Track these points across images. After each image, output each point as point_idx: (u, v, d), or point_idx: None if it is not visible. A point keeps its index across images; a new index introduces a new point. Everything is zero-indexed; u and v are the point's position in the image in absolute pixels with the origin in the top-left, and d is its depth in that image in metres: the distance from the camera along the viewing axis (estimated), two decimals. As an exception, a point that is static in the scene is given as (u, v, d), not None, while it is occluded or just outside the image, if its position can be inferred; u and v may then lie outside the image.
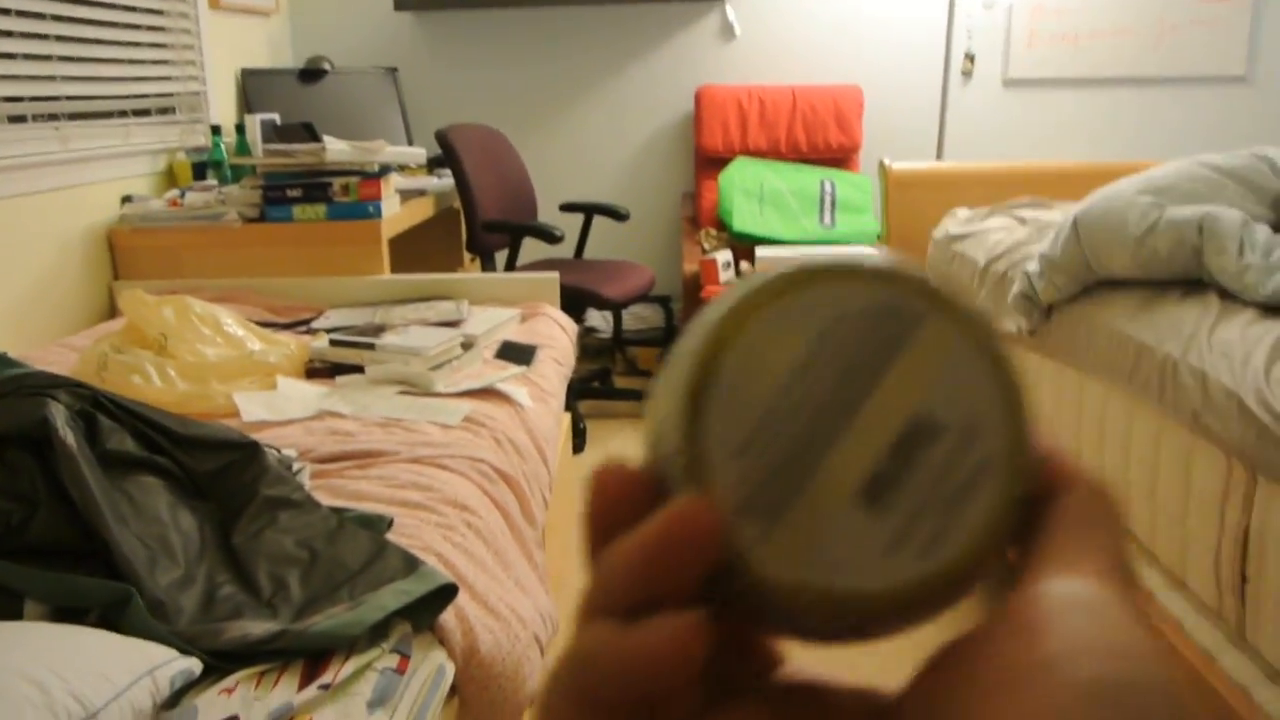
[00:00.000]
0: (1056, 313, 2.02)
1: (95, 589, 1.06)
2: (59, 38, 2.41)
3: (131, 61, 2.73)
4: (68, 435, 1.11)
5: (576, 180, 4.12)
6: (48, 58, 2.38)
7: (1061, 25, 3.92)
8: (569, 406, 2.48)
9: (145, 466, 1.24)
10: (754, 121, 3.86)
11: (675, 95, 4.04)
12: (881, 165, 3.00)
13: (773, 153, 3.87)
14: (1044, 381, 2.10)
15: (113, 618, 1.06)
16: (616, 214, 3.49)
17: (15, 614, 1.05)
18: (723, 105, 3.86)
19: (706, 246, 3.71)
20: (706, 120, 3.86)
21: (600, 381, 3.62)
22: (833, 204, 3.70)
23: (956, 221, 2.63)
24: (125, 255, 2.57)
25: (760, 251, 3.48)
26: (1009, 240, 2.32)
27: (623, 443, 3.23)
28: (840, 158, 3.93)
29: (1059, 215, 2.40)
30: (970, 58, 3.97)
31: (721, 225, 3.81)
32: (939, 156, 3.84)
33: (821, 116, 3.85)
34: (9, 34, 2.25)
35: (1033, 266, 2.05)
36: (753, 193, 3.70)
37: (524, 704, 1.26)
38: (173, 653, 0.99)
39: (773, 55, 4.00)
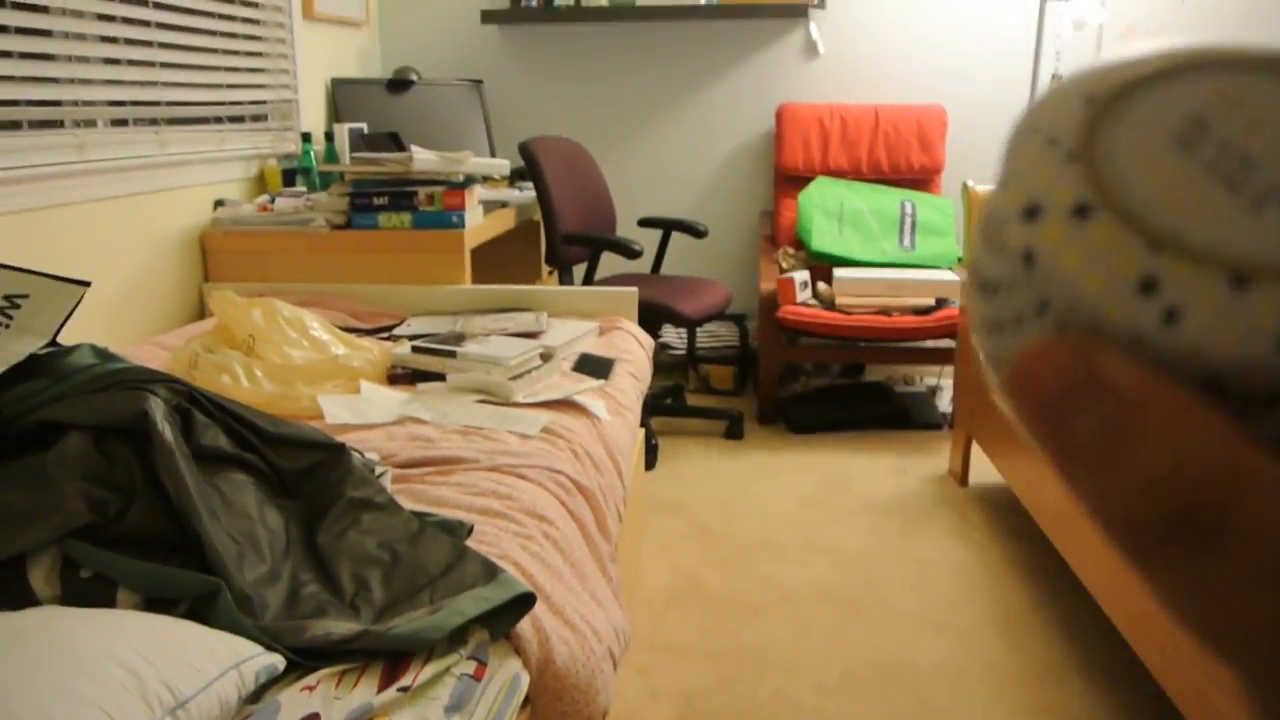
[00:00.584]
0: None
1: (186, 581, 1.08)
2: (161, 44, 2.49)
3: (229, 69, 2.81)
4: (165, 429, 1.14)
5: (656, 195, 4.14)
6: (151, 64, 2.45)
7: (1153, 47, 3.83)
8: (641, 423, 2.48)
9: (236, 463, 1.26)
10: (835, 140, 3.84)
11: (757, 112, 4.04)
12: (965, 187, 2.96)
13: (853, 172, 3.85)
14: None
15: (201, 610, 1.08)
16: (695, 230, 3.49)
17: (109, 602, 1.08)
18: (804, 123, 3.85)
19: (784, 265, 3.69)
20: (787, 138, 3.85)
21: (673, 398, 3.62)
22: (913, 226, 3.66)
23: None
24: (216, 257, 2.64)
25: (838, 272, 3.45)
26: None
27: (696, 459, 3.22)
28: (922, 179, 3.89)
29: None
30: (1058, 79, 3.90)
31: (800, 244, 3.78)
32: (1024, 181, 3.76)
33: (904, 136, 3.81)
34: (115, 40, 2.33)
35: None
36: (832, 212, 3.67)
37: (596, 718, 1.26)
38: (258, 648, 1.01)
39: (856, 73, 3.98)
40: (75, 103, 2.21)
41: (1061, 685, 1.97)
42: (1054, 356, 0.19)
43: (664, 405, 3.50)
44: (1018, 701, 1.92)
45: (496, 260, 3.45)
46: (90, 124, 2.28)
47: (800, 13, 3.82)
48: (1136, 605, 1.73)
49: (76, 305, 1.39)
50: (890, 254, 3.59)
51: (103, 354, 1.32)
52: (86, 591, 1.07)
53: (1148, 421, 0.18)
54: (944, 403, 3.73)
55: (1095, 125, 0.19)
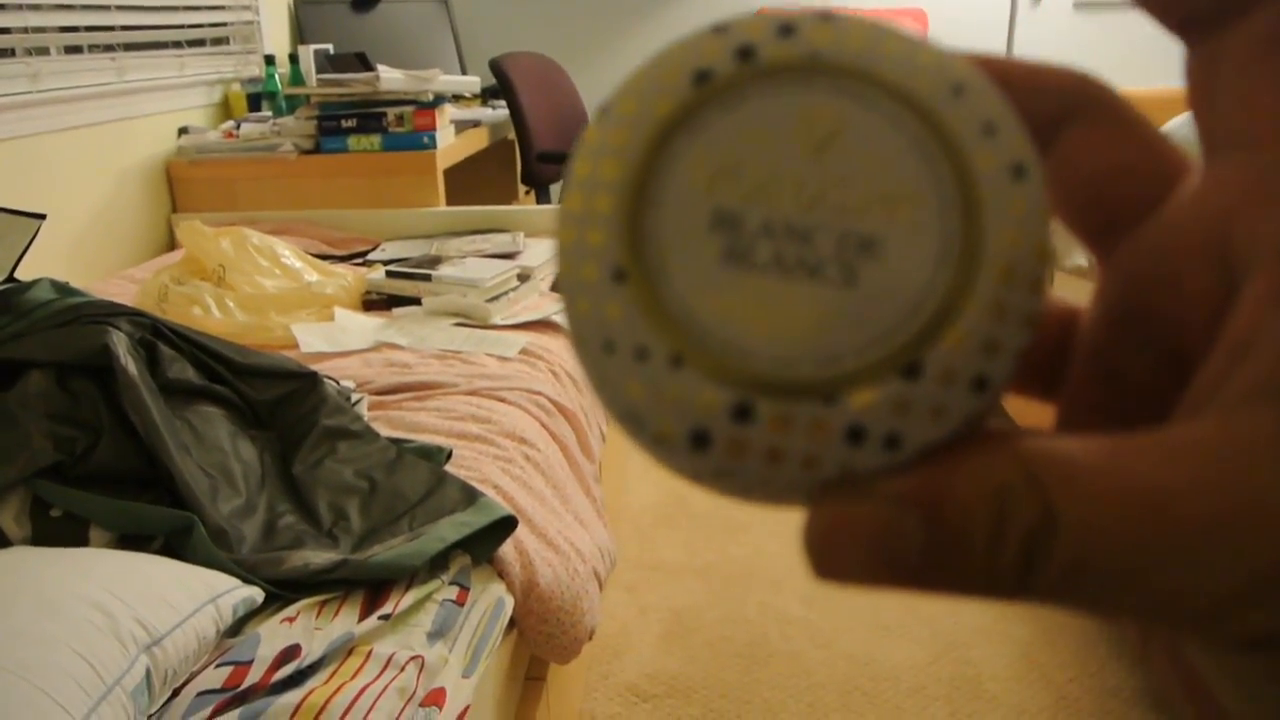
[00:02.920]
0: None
1: (159, 517, 1.06)
2: (113, -34, 2.40)
3: (185, -10, 2.71)
4: (129, 363, 1.11)
5: (632, 111, 4.05)
6: (102, -13, 2.36)
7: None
8: (625, 340, 2.45)
9: (205, 396, 1.24)
10: (814, 49, 3.76)
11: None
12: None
13: (833, 81, 3.77)
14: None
15: (176, 545, 1.06)
16: (673, 145, 3.43)
17: (81, 541, 1.06)
18: (782, 32, 3.76)
19: (764, 178, 3.64)
20: (765, 48, 3.77)
21: (655, 315, 3.59)
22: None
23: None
24: (182, 187, 2.58)
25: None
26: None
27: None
28: (903, 86, 3.82)
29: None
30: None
31: (779, 156, 3.73)
32: (1006, 84, 3.70)
33: (884, 43, 3.73)
34: (64, -38, 2.24)
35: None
36: (812, 123, 3.61)
37: (582, 638, 1.25)
38: (235, 581, 1.00)
39: (834, -21, 3.88)
40: (25, 29, 2.12)
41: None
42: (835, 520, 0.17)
43: (647, 324, 3.47)
44: (1003, 607, 1.94)
45: (471, 181, 3.39)
46: (43, 51, 2.20)
47: (775, -85, 3.71)
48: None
49: (33, 239, 1.34)
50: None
51: (62, 289, 1.29)
52: (58, 531, 1.05)
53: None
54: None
55: (642, 295, 0.17)
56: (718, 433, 0.16)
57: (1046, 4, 3.86)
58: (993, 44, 3.89)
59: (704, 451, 0.16)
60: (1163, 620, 0.15)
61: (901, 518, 0.15)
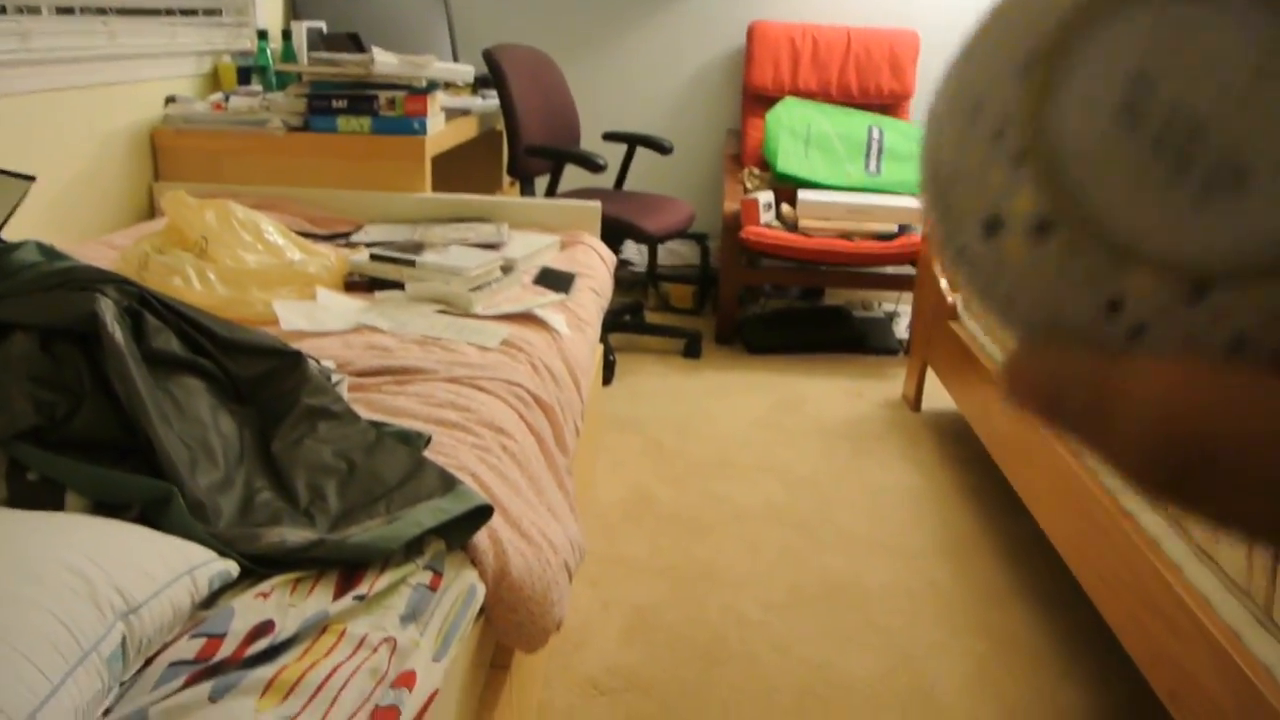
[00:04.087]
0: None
1: (137, 486, 1.06)
2: (111, -71, 2.38)
3: (181, -42, 2.69)
4: (116, 331, 1.11)
5: (621, 110, 4.06)
6: (99, -51, 2.34)
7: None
8: (600, 338, 2.47)
9: (188, 368, 1.24)
10: (805, 61, 3.79)
11: (727, 29, 3.96)
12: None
13: (822, 94, 3.80)
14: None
15: (152, 516, 1.06)
16: (660, 146, 3.45)
17: (56, 506, 1.06)
18: (775, 42, 3.78)
19: (749, 186, 3.66)
20: (757, 57, 3.79)
21: (632, 315, 3.61)
22: (880, 151, 3.64)
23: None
24: (167, 156, 2.56)
25: (802, 194, 3.43)
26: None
27: (653, 377, 3.22)
28: (891, 104, 3.85)
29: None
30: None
31: (765, 165, 3.75)
32: (991, 109, 3.74)
33: (875, 60, 3.77)
34: (61, -78, 2.22)
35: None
36: (799, 134, 3.64)
37: (550, 629, 1.27)
38: (211, 554, 1.00)
39: (828, -7, 3.91)
40: (18, -14, 2.10)
41: (1004, 608, 2.03)
42: (1028, 364, 0.21)
43: (623, 322, 3.49)
44: (960, 623, 1.97)
45: (457, 169, 3.39)
46: (34, 10, 2.18)
47: (775, -75, 3.73)
48: (1077, 532, 1.77)
49: (21, 200, 1.34)
50: (856, 178, 3.57)
51: (49, 252, 1.28)
52: (33, 495, 1.05)
53: (1116, 401, 0.20)
54: (901, 328, 3.76)
55: (1039, 106, 0.18)
56: (1010, 228, 0.19)
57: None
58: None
59: (995, 236, 0.19)
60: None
61: (1070, 389, 0.20)
